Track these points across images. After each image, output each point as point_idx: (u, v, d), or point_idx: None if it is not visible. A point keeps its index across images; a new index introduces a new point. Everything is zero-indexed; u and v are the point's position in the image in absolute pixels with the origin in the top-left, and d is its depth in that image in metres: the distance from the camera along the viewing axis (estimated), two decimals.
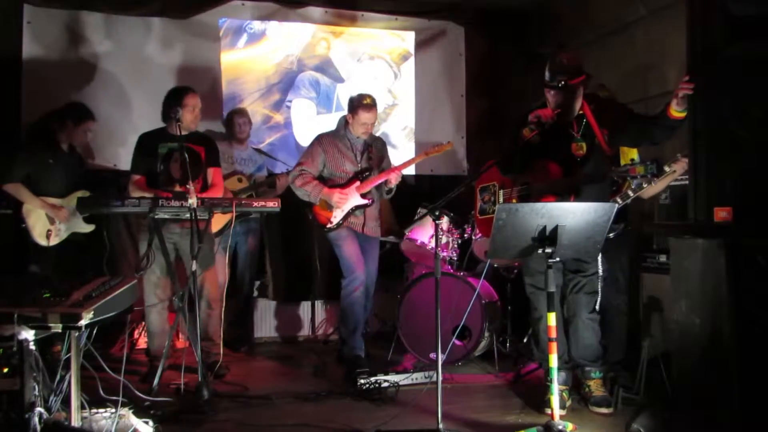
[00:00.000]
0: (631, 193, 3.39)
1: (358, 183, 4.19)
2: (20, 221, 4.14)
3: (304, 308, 5.41)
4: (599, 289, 3.45)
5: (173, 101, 3.99)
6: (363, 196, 4.19)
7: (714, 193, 3.03)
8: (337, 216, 4.18)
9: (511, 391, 3.79)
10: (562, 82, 3.32)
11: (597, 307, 3.47)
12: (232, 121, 4.98)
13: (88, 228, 4.39)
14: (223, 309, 4.09)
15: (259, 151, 5.21)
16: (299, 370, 4.34)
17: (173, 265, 3.94)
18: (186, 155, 3.65)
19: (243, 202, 3.85)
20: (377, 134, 4.75)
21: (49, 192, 4.22)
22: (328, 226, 4.20)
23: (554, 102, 3.38)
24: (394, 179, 4.21)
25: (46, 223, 4.19)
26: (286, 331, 5.38)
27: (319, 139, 4.32)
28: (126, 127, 5.11)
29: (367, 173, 4.24)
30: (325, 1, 5.59)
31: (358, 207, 4.19)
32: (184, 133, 3.86)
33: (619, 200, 3.38)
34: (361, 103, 4.19)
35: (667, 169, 3.49)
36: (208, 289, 4.07)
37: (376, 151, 4.37)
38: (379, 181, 4.22)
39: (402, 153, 5.77)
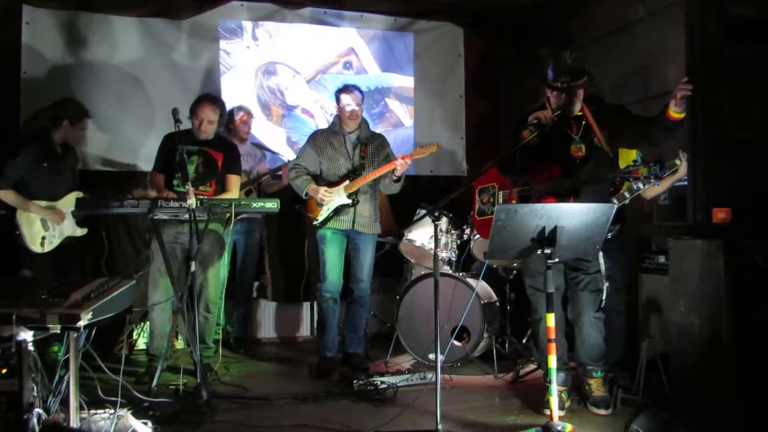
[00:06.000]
0: (627, 194, 3.39)
1: (347, 182, 4.18)
2: (14, 227, 4.05)
3: (303, 309, 5.40)
4: (603, 288, 3.45)
5: (190, 111, 4.07)
6: (349, 195, 4.16)
7: (713, 194, 3.02)
8: (323, 213, 4.19)
9: (510, 392, 3.79)
10: (566, 84, 3.32)
11: (602, 305, 3.47)
12: (236, 120, 4.93)
13: (81, 232, 4.35)
14: (221, 310, 4.07)
15: (257, 146, 5.20)
16: (298, 371, 4.33)
17: (180, 266, 3.95)
18: (185, 159, 3.75)
19: (242, 203, 3.85)
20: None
21: (42, 196, 4.14)
22: (314, 223, 4.24)
23: (555, 103, 3.38)
24: (399, 168, 4.11)
25: (41, 230, 4.11)
26: (285, 332, 5.37)
27: (314, 137, 4.35)
28: (125, 127, 5.10)
29: (356, 172, 4.21)
30: (324, 2, 5.59)
31: (343, 206, 4.18)
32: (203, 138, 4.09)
33: (615, 201, 3.38)
34: (339, 89, 4.30)
35: (677, 162, 3.50)
36: (208, 291, 4.06)
37: (372, 148, 4.29)
38: (370, 179, 4.16)
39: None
